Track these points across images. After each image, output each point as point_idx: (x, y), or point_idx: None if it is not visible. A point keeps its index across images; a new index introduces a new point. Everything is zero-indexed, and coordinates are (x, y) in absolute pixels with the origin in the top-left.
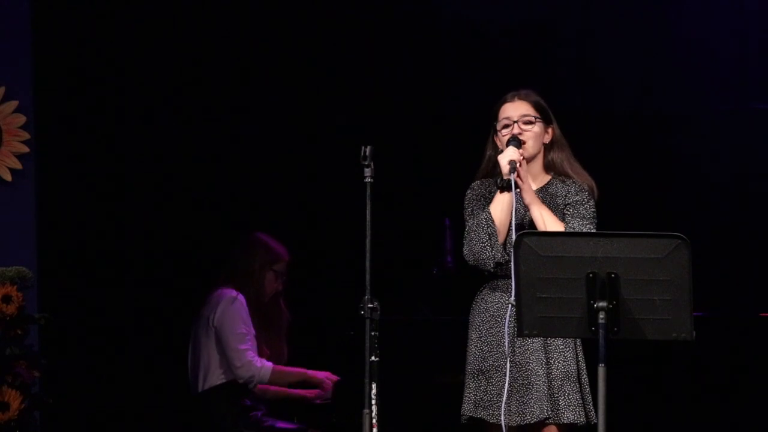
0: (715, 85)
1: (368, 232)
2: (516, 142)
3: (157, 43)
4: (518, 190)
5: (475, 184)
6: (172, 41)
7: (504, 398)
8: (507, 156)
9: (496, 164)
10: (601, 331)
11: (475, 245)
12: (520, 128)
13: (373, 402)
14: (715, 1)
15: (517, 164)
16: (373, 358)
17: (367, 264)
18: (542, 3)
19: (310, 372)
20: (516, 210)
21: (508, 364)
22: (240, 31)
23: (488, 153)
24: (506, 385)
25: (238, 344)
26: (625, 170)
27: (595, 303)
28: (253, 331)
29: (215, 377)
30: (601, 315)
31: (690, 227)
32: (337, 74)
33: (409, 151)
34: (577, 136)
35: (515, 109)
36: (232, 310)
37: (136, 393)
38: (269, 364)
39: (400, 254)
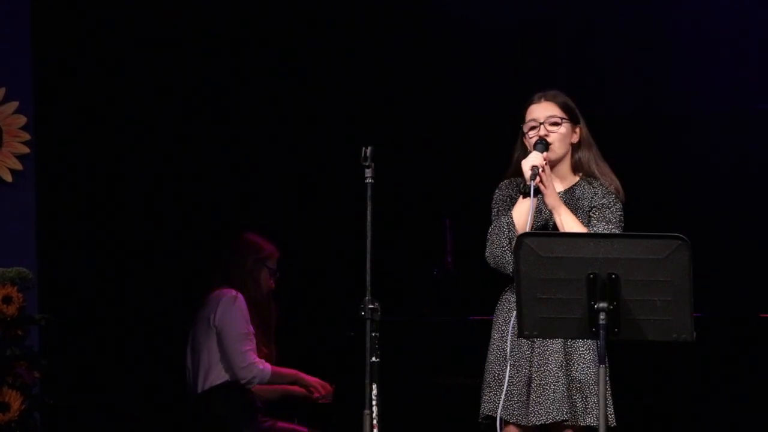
0: (715, 85)
1: (369, 233)
2: (543, 145)
3: (157, 44)
4: (541, 195)
5: (503, 183)
6: (172, 41)
7: (502, 397)
8: (530, 161)
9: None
10: (601, 332)
11: (495, 249)
12: (547, 130)
13: (374, 403)
14: (715, 1)
15: (540, 170)
16: (373, 358)
17: (368, 264)
18: (542, 3)
19: (302, 374)
20: (541, 213)
21: (508, 368)
22: (240, 31)
23: (516, 154)
24: (505, 384)
25: (241, 345)
26: (624, 171)
27: (595, 304)
28: (253, 331)
29: (215, 377)
30: (602, 316)
31: (690, 227)
32: (338, 74)
33: (409, 151)
34: None
35: (541, 111)
36: (234, 309)
37: (135, 393)
38: (269, 366)
39: (400, 255)
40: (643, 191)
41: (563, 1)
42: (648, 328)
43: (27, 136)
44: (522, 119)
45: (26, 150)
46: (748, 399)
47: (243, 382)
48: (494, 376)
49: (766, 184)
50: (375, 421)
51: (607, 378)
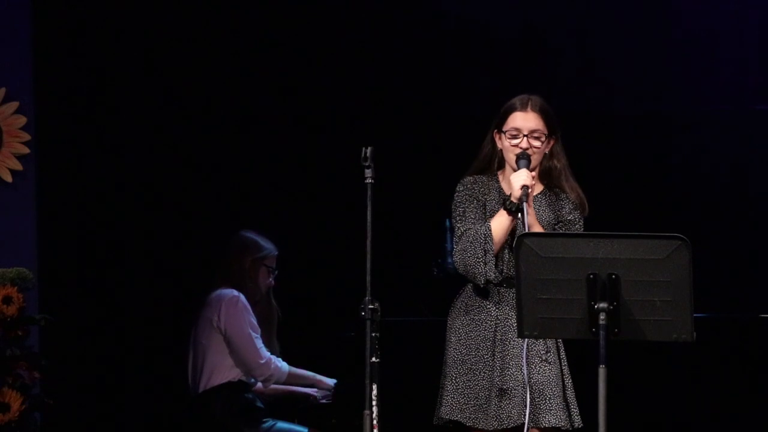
0: (715, 85)
1: (369, 233)
2: (526, 160)
3: (157, 44)
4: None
5: (468, 180)
6: (172, 42)
7: (527, 412)
8: (521, 179)
9: (492, 162)
10: (601, 332)
11: (469, 257)
12: (529, 143)
13: (374, 403)
14: (715, 1)
15: (529, 189)
16: (373, 359)
17: (368, 265)
18: (542, 3)
19: (320, 377)
20: (517, 229)
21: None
22: (240, 31)
23: (486, 149)
24: (527, 400)
25: (253, 343)
26: (625, 171)
27: (595, 304)
28: (259, 329)
29: (219, 377)
30: (602, 316)
31: (690, 228)
32: (338, 74)
33: (409, 151)
34: (576, 136)
35: (526, 121)
36: (239, 310)
37: (136, 393)
38: (286, 365)
39: (400, 255)
40: (644, 191)
41: (563, 1)
42: (648, 328)
43: (27, 136)
44: (501, 118)
45: (26, 150)
46: (748, 399)
47: (261, 379)
48: (452, 379)
49: (766, 184)
50: (375, 421)
51: (570, 378)
